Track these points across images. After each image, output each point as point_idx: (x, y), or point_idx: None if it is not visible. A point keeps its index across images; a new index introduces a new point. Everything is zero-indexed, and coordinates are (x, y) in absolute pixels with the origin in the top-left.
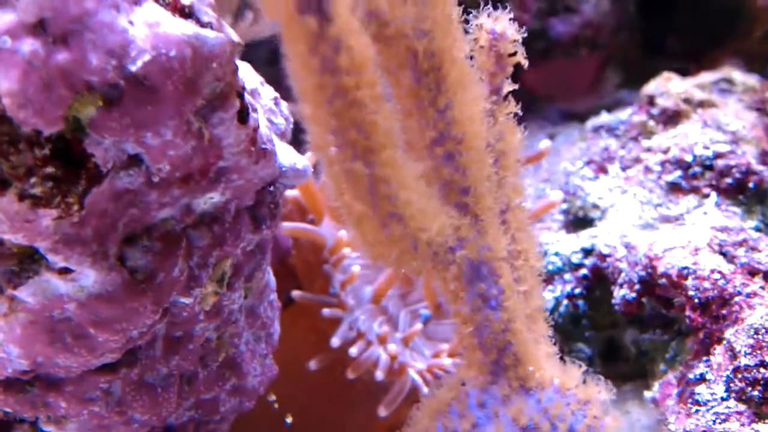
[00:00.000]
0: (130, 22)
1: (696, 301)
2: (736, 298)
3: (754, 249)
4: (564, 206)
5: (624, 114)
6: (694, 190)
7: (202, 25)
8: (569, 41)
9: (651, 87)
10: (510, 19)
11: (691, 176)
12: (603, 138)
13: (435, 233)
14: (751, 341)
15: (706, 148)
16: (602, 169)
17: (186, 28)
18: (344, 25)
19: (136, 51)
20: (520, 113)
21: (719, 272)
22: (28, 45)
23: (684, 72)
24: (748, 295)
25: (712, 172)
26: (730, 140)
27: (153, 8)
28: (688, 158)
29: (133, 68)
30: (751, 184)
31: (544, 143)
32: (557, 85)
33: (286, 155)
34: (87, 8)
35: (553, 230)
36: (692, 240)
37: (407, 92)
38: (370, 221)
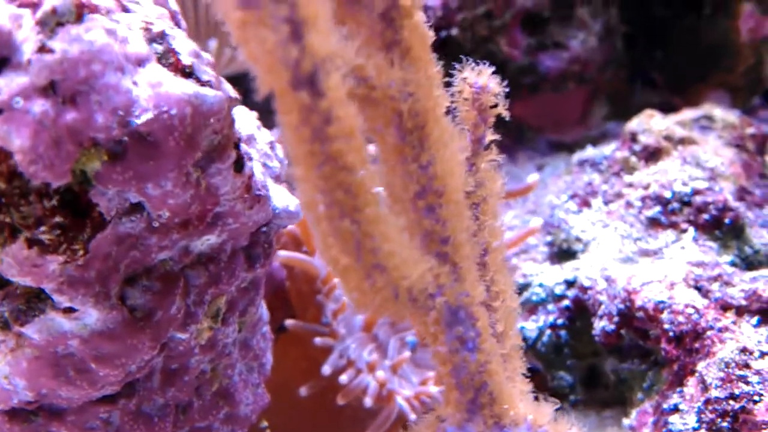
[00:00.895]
0: (134, 83)
1: (671, 334)
2: (709, 333)
3: (728, 284)
4: (549, 238)
5: (608, 149)
6: (673, 226)
7: (202, 83)
8: (558, 76)
9: (634, 124)
10: (492, 73)
11: (670, 212)
12: (587, 172)
13: (415, 281)
14: (722, 374)
15: (685, 184)
16: (586, 203)
17: (186, 87)
18: (334, 97)
19: (139, 110)
20: (510, 144)
21: (693, 307)
22: (39, 106)
23: (669, 105)
24: (720, 330)
25: (690, 208)
26: (708, 177)
27: (156, 69)
28: (668, 194)
29: (137, 126)
30: (727, 220)
31: (532, 177)
32: (546, 116)
33: (280, 197)
34: (94, 71)
35: (538, 261)
36: (669, 275)
37: (392, 149)
38: (354, 272)
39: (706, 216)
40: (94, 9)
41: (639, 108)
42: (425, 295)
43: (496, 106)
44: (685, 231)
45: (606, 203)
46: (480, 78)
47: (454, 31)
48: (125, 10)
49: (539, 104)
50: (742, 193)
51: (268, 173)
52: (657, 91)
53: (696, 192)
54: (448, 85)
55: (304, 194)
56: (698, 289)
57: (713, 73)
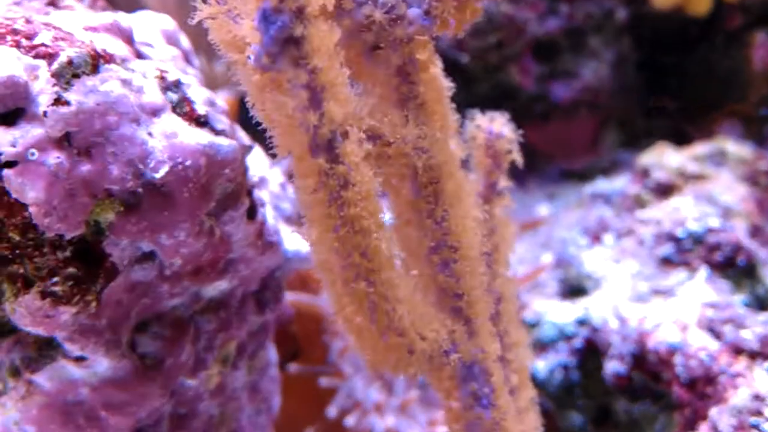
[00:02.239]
0: (150, 134)
1: (683, 378)
2: (721, 378)
3: (740, 326)
4: (560, 274)
5: (619, 182)
6: (685, 264)
7: (216, 133)
8: (569, 104)
9: (646, 159)
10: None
11: (682, 250)
12: (599, 207)
13: (430, 340)
14: (734, 421)
15: (698, 221)
16: (597, 239)
17: (201, 137)
18: (352, 162)
19: (154, 161)
20: (521, 171)
21: (706, 351)
22: (54, 158)
23: (681, 133)
24: (733, 375)
25: (703, 247)
26: (721, 214)
27: (171, 119)
28: (680, 232)
29: (152, 177)
30: (740, 261)
31: (543, 210)
32: (557, 144)
33: (292, 241)
34: (109, 123)
35: (549, 297)
36: (681, 316)
37: (406, 203)
38: (369, 332)
39: (719, 255)
40: (110, 59)
41: (650, 135)
42: (440, 352)
43: (510, 152)
44: (697, 270)
45: (618, 238)
46: (494, 124)
47: (465, 59)
48: (140, 55)
49: (550, 131)
50: (755, 231)
51: (280, 215)
52: (669, 118)
53: (709, 230)
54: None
55: (318, 255)
56: (711, 330)
57: (726, 102)
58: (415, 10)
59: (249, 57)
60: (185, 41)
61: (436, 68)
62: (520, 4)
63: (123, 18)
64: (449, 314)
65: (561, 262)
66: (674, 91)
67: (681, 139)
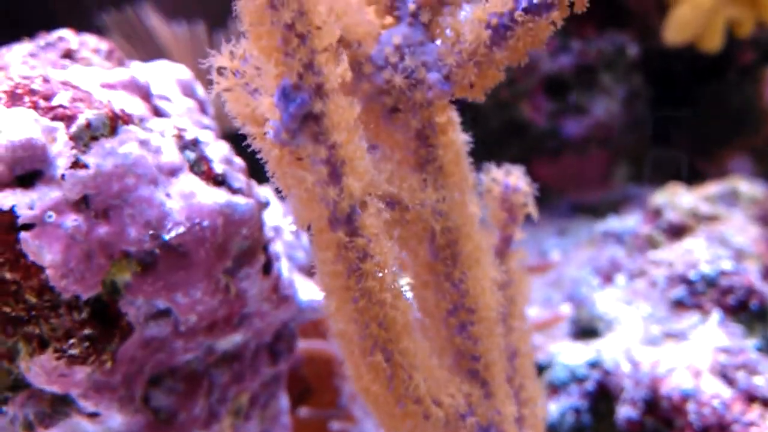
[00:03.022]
0: (168, 195)
1: (696, 426)
2: (735, 427)
3: (753, 372)
4: (572, 315)
5: (631, 221)
6: (698, 307)
7: (234, 191)
8: (580, 140)
9: (658, 199)
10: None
11: (695, 293)
12: (610, 246)
13: (446, 405)
14: None
15: (710, 264)
16: (609, 279)
17: (218, 196)
18: (370, 235)
19: (171, 223)
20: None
21: (719, 398)
22: (72, 220)
23: (692, 168)
24: (746, 424)
25: (715, 290)
26: (733, 256)
27: (188, 179)
28: (693, 275)
29: (169, 238)
30: (752, 304)
31: (553, 250)
32: (568, 178)
33: (306, 290)
34: (128, 185)
35: (561, 337)
36: (694, 361)
37: (424, 265)
38: (385, 400)
39: (731, 299)
40: (128, 119)
41: (662, 170)
42: (456, 416)
43: (525, 206)
44: (710, 313)
45: (630, 280)
46: (510, 178)
47: None
48: (158, 111)
49: (561, 166)
50: (767, 273)
51: (294, 264)
52: (680, 153)
53: (722, 273)
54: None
55: (337, 324)
56: (724, 377)
57: (737, 137)
58: (434, 74)
59: (268, 132)
60: (200, 90)
61: (455, 130)
62: None
63: (140, 73)
64: (466, 377)
65: (573, 303)
66: (686, 126)
67: (692, 174)
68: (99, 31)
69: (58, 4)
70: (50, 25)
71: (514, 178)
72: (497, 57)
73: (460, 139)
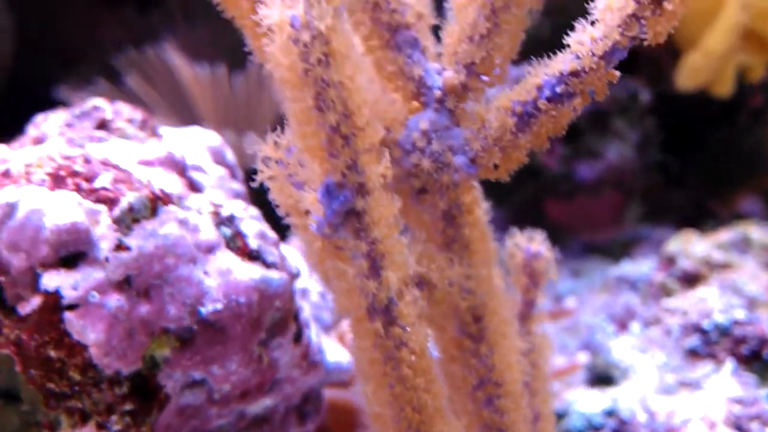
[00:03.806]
0: (206, 272)
1: None
2: None
3: (766, 424)
4: (588, 362)
5: (645, 266)
6: (712, 356)
7: (268, 266)
8: (593, 184)
9: (672, 246)
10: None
11: (708, 342)
12: (625, 293)
13: None
14: None
15: (724, 313)
16: (624, 327)
17: (254, 272)
18: (407, 324)
19: (209, 300)
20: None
21: None
22: (114, 300)
23: (703, 208)
24: None
25: (728, 340)
26: (746, 305)
27: (225, 256)
28: (706, 324)
29: (207, 315)
30: (765, 353)
31: (570, 302)
32: (581, 218)
33: (333, 352)
34: (168, 265)
35: (577, 385)
36: (708, 411)
37: (451, 339)
38: None
39: (744, 348)
40: (167, 199)
41: (674, 210)
42: None
43: (547, 272)
44: (723, 362)
45: (644, 327)
46: (532, 244)
47: None
48: (193, 186)
49: (574, 207)
50: None
51: (320, 326)
52: (692, 193)
53: (735, 323)
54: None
55: (372, 407)
56: (738, 429)
57: (747, 178)
58: (461, 158)
59: (311, 225)
60: (230, 155)
61: (480, 208)
62: None
63: (174, 145)
64: None
65: (588, 350)
66: (697, 168)
67: (704, 214)
68: (118, 71)
69: (78, 43)
70: (71, 64)
71: (536, 244)
72: (521, 142)
73: (485, 218)
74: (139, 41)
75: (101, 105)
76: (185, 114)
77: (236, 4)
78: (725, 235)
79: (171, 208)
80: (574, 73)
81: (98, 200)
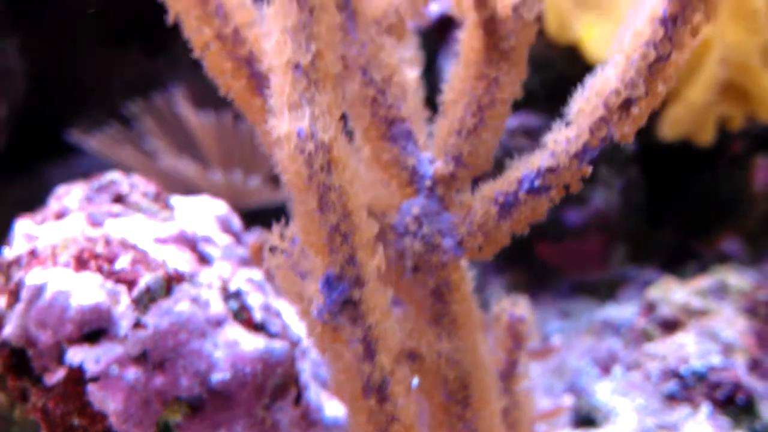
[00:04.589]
0: (215, 345)
1: None
2: None
3: None
4: (572, 403)
5: (628, 311)
6: (689, 401)
7: (271, 336)
8: (580, 227)
9: (652, 293)
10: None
11: (686, 387)
12: (608, 338)
13: None
14: None
15: (700, 359)
16: (607, 370)
17: (258, 343)
18: (398, 401)
19: (218, 371)
20: (534, 284)
21: None
22: (132, 373)
23: (686, 248)
24: None
25: (705, 385)
26: (722, 350)
27: (232, 329)
28: (684, 370)
29: (215, 384)
30: (739, 398)
31: (555, 339)
32: (568, 259)
33: (331, 408)
34: (181, 340)
35: (562, 426)
36: None
37: (438, 405)
38: None
39: (719, 393)
40: (181, 278)
41: (657, 250)
42: None
43: (530, 336)
44: (700, 406)
45: (626, 371)
46: (517, 309)
47: None
48: (203, 259)
49: (562, 248)
50: (753, 365)
51: (319, 382)
52: (675, 235)
53: (711, 369)
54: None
55: None
56: None
57: (728, 220)
58: (449, 240)
59: (313, 311)
60: (235, 221)
61: (467, 286)
62: (536, 140)
63: (186, 222)
64: None
65: (573, 392)
66: (680, 211)
67: (686, 254)
68: (128, 119)
69: (89, 84)
70: (82, 104)
71: (519, 308)
72: (503, 228)
73: (471, 294)
74: (146, 83)
75: (118, 179)
76: (193, 157)
77: (248, 102)
78: (704, 281)
79: (184, 286)
80: (551, 170)
81: (118, 281)
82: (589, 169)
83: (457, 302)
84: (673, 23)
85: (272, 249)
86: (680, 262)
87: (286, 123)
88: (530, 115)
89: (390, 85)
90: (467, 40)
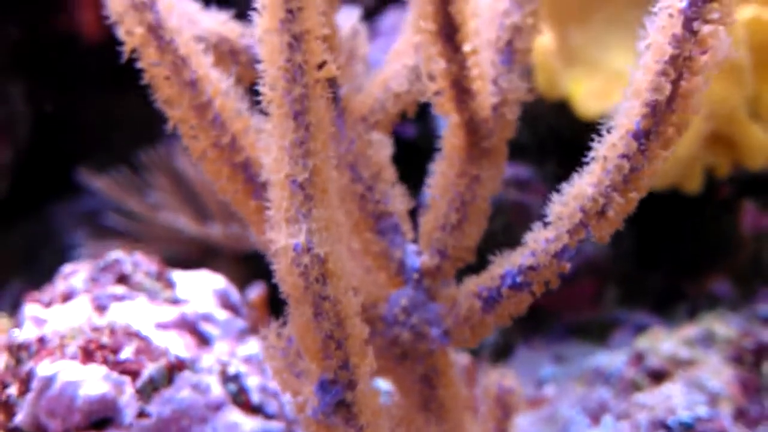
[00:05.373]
0: (214, 429)
1: None
2: None
3: None
4: None
5: (618, 359)
6: None
7: (268, 417)
8: (571, 273)
9: (641, 344)
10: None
11: None
12: (599, 386)
13: None
14: None
15: (687, 410)
16: (596, 420)
17: (256, 424)
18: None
19: None
20: (527, 327)
21: None
22: None
23: (676, 289)
24: None
25: None
26: (708, 401)
27: (231, 413)
28: (671, 421)
29: None
30: None
31: (548, 389)
32: (561, 302)
33: None
34: (182, 426)
35: None
36: None
37: None
38: None
39: None
40: (182, 366)
41: (649, 293)
42: None
43: (517, 405)
44: None
45: (616, 421)
46: (505, 380)
47: None
48: (203, 340)
49: (555, 294)
50: (738, 414)
51: None
52: (666, 277)
53: (697, 420)
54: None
55: None
56: None
57: (717, 262)
58: (436, 330)
59: (307, 411)
60: (234, 294)
61: (454, 371)
62: (525, 191)
63: (187, 304)
64: None
65: None
66: (670, 254)
67: (676, 295)
68: (134, 167)
69: (93, 134)
70: (86, 153)
71: (507, 380)
72: (487, 321)
73: (458, 377)
74: (151, 126)
75: (122, 258)
76: (194, 209)
77: (244, 204)
78: (691, 330)
79: (185, 374)
80: (531, 268)
81: (123, 372)
82: (568, 266)
83: (444, 387)
84: (646, 138)
85: (270, 348)
86: (671, 303)
87: (284, 238)
88: (521, 167)
89: (377, 181)
90: (449, 138)
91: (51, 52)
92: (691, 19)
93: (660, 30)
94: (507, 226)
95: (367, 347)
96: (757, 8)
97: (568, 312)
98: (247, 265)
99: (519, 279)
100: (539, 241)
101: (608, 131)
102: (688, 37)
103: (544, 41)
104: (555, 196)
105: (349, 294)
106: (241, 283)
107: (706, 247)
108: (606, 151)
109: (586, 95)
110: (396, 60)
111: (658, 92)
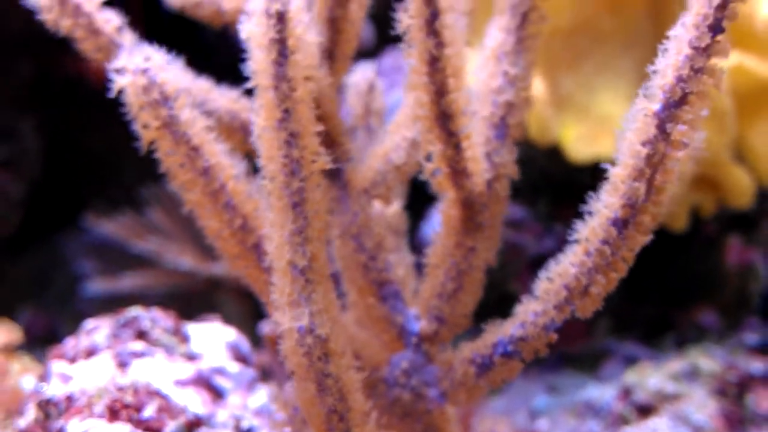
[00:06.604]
0: None
1: None
2: None
3: None
4: None
5: (608, 393)
6: None
7: None
8: None
9: (629, 378)
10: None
11: None
12: (589, 420)
13: None
14: None
15: None
16: None
17: None
18: None
19: None
20: None
21: None
22: None
23: (665, 319)
24: None
25: None
26: None
27: None
28: None
29: None
30: None
31: (542, 424)
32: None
33: None
34: None
35: None
36: None
37: None
38: None
39: None
40: (199, 423)
41: (639, 323)
42: None
43: None
44: None
45: None
46: (498, 427)
47: None
48: (217, 393)
49: None
50: None
51: None
52: (654, 308)
53: None
54: None
55: None
56: None
57: (704, 295)
58: (434, 391)
59: None
60: (244, 345)
61: (451, 427)
62: (520, 230)
63: (201, 360)
64: None
65: None
66: (659, 287)
67: (665, 325)
68: (140, 204)
69: (102, 166)
70: (96, 195)
71: (501, 427)
72: (481, 384)
73: (453, 418)
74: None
75: (140, 315)
76: (199, 245)
77: (256, 278)
78: (677, 365)
79: (203, 431)
80: (521, 338)
81: (147, 429)
82: (556, 336)
83: None
84: (624, 226)
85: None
86: (660, 333)
87: (288, 321)
88: (515, 208)
89: (380, 251)
90: (446, 211)
91: (61, 88)
92: (665, 121)
93: (635, 131)
94: (502, 265)
95: (367, 418)
96: (740, 56)
97: (561, 342)
98: (253, 297)
99: (510, 348)
100: (528, 314)
101: (589, 214)
102: (662, 138)
103: (536, 89)
104: (542, 273)
105: (350, 371)
106: (247, 313)
107: (694, 281)
108: (588, 234)
109: (576, 140)
110: (396, 132)
111: (634, 189)
